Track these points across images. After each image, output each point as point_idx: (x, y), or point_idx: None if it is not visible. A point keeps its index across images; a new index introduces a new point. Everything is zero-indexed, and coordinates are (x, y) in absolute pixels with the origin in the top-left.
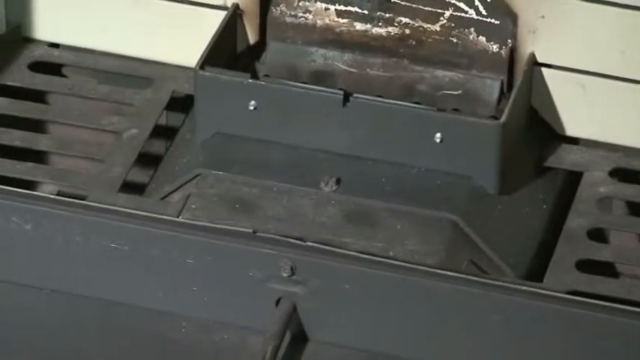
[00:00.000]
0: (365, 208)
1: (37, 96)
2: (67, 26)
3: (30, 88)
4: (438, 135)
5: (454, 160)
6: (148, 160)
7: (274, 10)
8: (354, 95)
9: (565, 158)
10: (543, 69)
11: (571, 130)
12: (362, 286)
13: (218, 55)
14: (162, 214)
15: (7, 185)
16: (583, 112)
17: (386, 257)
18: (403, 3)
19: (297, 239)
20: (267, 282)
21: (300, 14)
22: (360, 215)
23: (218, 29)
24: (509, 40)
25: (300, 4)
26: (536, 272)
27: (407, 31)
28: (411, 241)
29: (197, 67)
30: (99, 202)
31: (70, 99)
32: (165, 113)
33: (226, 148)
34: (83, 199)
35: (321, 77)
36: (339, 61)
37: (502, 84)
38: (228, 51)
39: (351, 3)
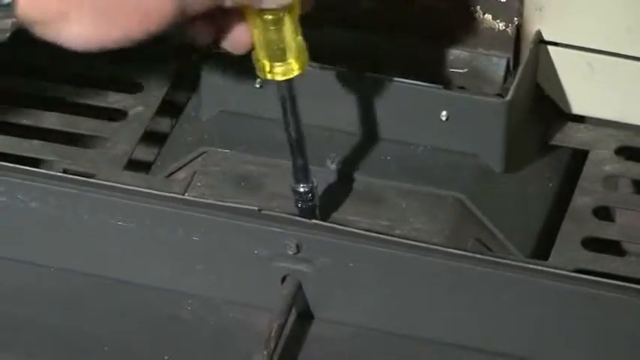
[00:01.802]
0: (370, 186)
1: (44, 73)
2: None
3: (36, 65)
4: (444, 113)
5: (460, 138)
6: (153, 137)
7: None
8: (360, 73)
9: (571, 136)
10: (550, 47)
11: (577, 108)
12: (367, 264)
13: None
14: (167, 192)
15: (13, 163)
16: (589, 90)
17: (392, 235)
18: None
19: (302, 217)
20: (272, 260)
21: None
22: (365, 193)
23: None
24: (516, 18)
25: None
26: (541, 250)
27: (414, 9)
28: (417, 220)
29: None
30: (105, 180)
31: (76, 76)
32: (170, 91)
33: (232, 126)
34: (89, 177)
35: (327, 55)
36: (346, 38)
37: (508, 62)
38: None
39: None
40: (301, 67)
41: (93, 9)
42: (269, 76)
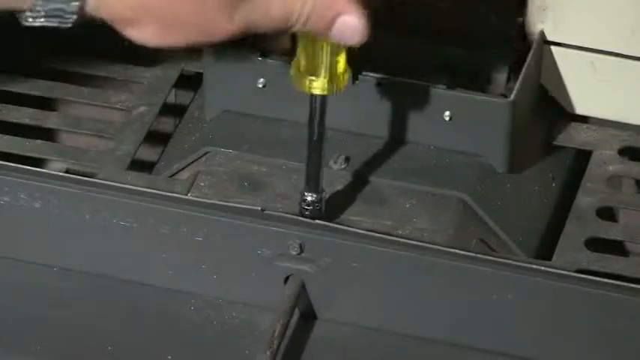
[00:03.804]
0: (374, 187)
1: (46, 73)
2: None
3: (40, 65)
4: (447, 113)
5: (463, 138)
6: (156, 137)
7: None
8: (363, 73)
9: (574, 137)
10: (553, 47)
11: (580, 108)
12: (370, 265)
13: None
14: (171, 192)
15: (16, 162)
16: (592, 91)
17: (395, 235)
18: None
19: (305, 217)
20: (275, 260)
21: None
22: (369, 193)
23: None
24: (519, 18)
25: None
26: (545, 251)
27: (416, 8)
28: (420, 220)
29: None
30: (108, 180)
31: (80, 76)
32: (174, 91)
33: (235, 126)
34: (92, 177)
35: None
36: None
37: (512, 62)
38: None
39: None
40: (339, 87)
41: (156, 20)
42: (306, 90)
